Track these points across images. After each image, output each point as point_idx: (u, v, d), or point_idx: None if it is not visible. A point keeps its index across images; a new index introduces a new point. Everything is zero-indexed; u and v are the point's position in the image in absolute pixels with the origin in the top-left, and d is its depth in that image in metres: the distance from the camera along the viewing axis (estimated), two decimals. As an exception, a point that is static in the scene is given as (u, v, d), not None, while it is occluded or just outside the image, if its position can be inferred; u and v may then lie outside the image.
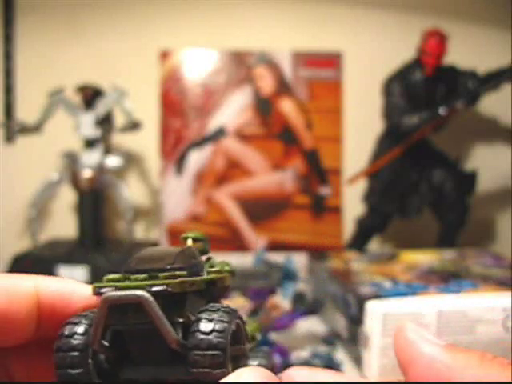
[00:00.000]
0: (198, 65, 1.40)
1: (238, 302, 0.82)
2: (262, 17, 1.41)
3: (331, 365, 0.71)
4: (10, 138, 1.38)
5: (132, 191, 1.33)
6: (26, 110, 1.33)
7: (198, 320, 0.22)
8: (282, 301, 0.96)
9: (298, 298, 0.97)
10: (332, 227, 1.42)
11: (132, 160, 1.37)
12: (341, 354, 0.77)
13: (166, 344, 0.21)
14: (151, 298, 0.21)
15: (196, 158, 1.40)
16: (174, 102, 1.40)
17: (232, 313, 0.22)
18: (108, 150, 1.25)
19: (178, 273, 0.22)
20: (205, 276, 0.24)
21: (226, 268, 0.26)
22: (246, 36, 1.41)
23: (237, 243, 1.40)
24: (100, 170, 1.19)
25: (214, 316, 0.22)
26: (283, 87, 1.41)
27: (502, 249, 1.32)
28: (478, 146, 1.46)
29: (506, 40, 1.36)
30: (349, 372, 0.72)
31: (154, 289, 0.22)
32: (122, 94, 1.21)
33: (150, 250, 0.25)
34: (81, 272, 1.09)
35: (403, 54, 1.26)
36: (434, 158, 1.26)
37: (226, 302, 0.24)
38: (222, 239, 1.40)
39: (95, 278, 1.09)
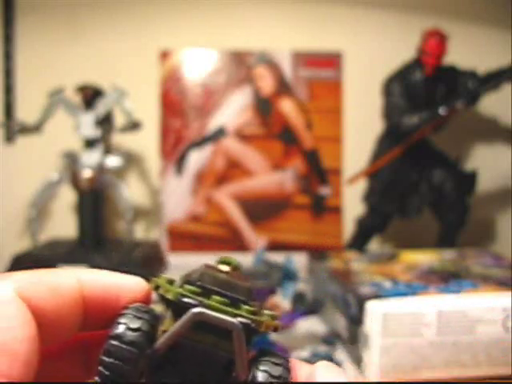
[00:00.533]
0: (198, 65, 1.40)
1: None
2: (262, 17, 1.41)
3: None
4: (10, 137, 1.38)
5: (132, 191, 1.33)
6: (26, 110, 1.33)
7: (266, 362, 0.22)
8: (282, 301, 0.96)
9: (298, 298, 0.97)
10: (332, 227, 1.42)
11: (132, 160, 1.37)
12: (341, 354, 0.77)
13: (217, 366, 0.22)
14: (242, 332, 0.21)
15: (196, 158, 1.40)
16: (174, 102, 1.40)
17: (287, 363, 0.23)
18: (108, 150, 1.25)
19: (255, 309, 0.23)
20: (272, 320, 0.24)
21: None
22: (246, 36, 1.41)
23: (237, 243, 1.40)
24: (100, 170, 1.19)
25: (281, 361, 0.23)
26: (283, 87, 1.41)
27: (502, 249, 1.32)
28: (478, 146, 1.46)
29: (506, 40, 1.36)
30: (349, 372, 0.72)
31: (241, 320, 0.22)
32: (122, 94, 1.21)
33: (211, 270, 0.24)
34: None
35: (403, 54, 1.26)
36: (434, 158, 1.26)
37: None
38: (222, 239, 1.40)
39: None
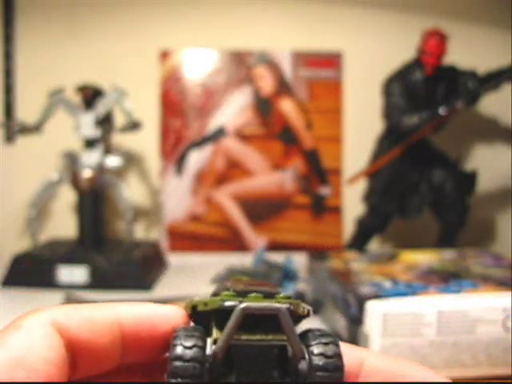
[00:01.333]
0: (198, 65, 1.40)
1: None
2: (262, 17, 1.41)
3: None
4: (10, 137, 1.38)
5: (132, 191, 1.33)
6: (26, 110, 1.33)
7: (318, 344, 0.24)
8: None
9: (298, 298, 0.97)
10: (332, 227, 1.42)
11: (132, 160, 1.37)
12: (341, 354, 0.77)
13: (272, 360, 0.23)
14: (287, 312, 0.23)
15: (196, 158, 1.40)
16: (174, 102, 1.40)
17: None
18: (108, 150, 1.25)
19: (288, 299, 0.24)
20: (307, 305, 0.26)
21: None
22: (246, 36, 1.41)
23: (237, 243, 1.40)
24: (100, 170, 1.19)
25: (330, 340, 0.24)
26: (283, 87, 1.41)
27: (502, 249, 1.32)
28: (478, 146, 1.46)
29: (506, 40, 1.36)
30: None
31: (282, 305, 0.23)
32: (122, 94, 1.21)
33: (233, 282, 0.26)
34: (81, 272, 1.09)
35: (403, 54, 1.26)
36: (434, 158, 1.26)
37: None
38: (222, 239, 1.40)
39: (95, 277, 1.09)
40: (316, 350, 0.23)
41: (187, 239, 1.40)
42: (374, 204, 1.26)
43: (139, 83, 1.37)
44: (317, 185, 1.41)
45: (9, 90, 1.37)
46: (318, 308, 0.91)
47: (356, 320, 0.74)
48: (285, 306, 0.23)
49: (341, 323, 0.82)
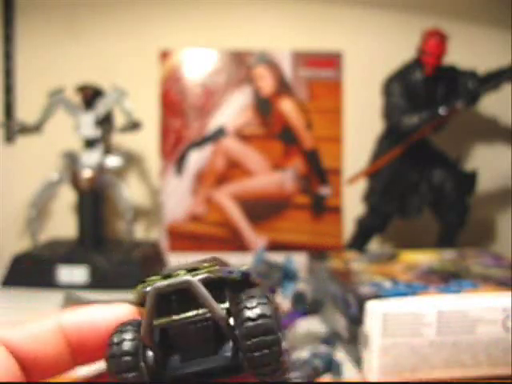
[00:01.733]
0: (198, 65, 1.40)
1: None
2: (262, 17, 1.41)
3: (331, 365, 0.71)
4: (10, 138, 1.38)
5: (132, 191, 1.33)
6: (26, 110, 1.33)
7: (243, 307, 0.23)
8: (282, 301, 0.96)
9: (298, 298, 0.97)
10: (332, 227, 1.42)
11: (132, 160, 1.37)
12: (341, 354, 0.77)
13: (210, 333, 0.23)
14: (199, 283, 0.22)
15: (196, 158, 1.40)
16: (174, 102, 1.40)
17: (271, 298, 0.23)
18: (108, 150, 1.25)
19: (216, 266, 0.24)
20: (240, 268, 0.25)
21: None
22: (246, 36, 1.41)
23: (237, 243, 1.40)
24: (100, 170, 1.19)
25: (258, 301, 0.23)
26: (283, 87, 1.41)
27: (502, 249, 1.32)
28: (478, 146, 1.46)
29: (506, 40, 1.36)
30: (349, 372, 0.72)
31: (198, 277, 0.23)
32: (122, 94, 1.21)
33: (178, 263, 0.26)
34: (81, 272, 1.09)
35: (403, 54, 1.26)
36: (434, 158, 1.26)
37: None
38: (222, 239, 1.40)
39: (95, 277, 1.09)
40: (242, 315, 0.23)
41: (187, 239, 1.40)
42: (374, 204, 1.26)
43: (139, 83, 1.37)
44: (317, 185, 1.41)
45: (9, 89, 1.37)
46: (318, 308, 0.91)
47: (356, 320, 0.74)
48: (198, 277, 0.23)
49: (341, 323, 0.82)
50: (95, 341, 0.25)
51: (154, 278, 0.24)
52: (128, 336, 0.23)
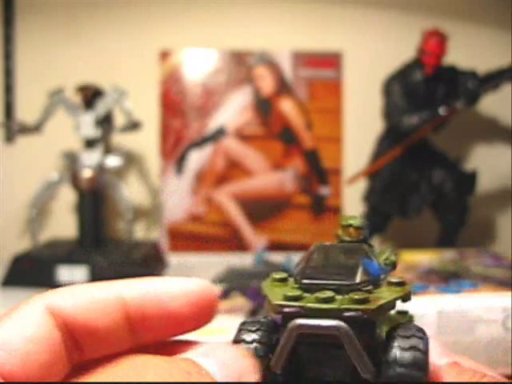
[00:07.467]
0: (198, 65, 1.40)
1: (238, 302, 0.82)
2: (262, 17, 1.41)
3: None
4: (9, 138, 1.38)
5: (132, 191, 1.33)
6: (26, 110, 1.33)
7: (393, 344, 0.21)
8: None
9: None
10: (332, 227, 1.41)
11: (132, 160, 1.37)
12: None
13: (349, 368, 0.21)
14: (350, 332, 0.20)
15: (196, 158, 1.40)
16: (174, 102, 1.40)
17: (425, 338, 0.21)
18: (108, 150, 1.25)
19: (366, 293, 0.21)
20: (396, 293, 0.22)
21: (393, 258, 0.25)
22: (245, 36, 1.41)
23: (237, 243, 1.40)
24: (100, 170, 1.19)
25: (411, 342, 0.21)
26: (283, 87, 1.41)
27: (502, 249, 1.32)
28: (478, 146, 1.46)
29: (506, 40, 1.36)
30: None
31: (348, 314, 0.20)
32: (122, 94, 1.21)
33: (322, 255, 0.23)
34: (81, 272, 1.09)
35: (403, 54, 1.26)
36: (434, 158, 1.26)
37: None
38: (222, 239, 1.40)
39: (95, 278, 1.08)
40: (391, 353, 0.20)
41: (187, 239, 1.40)
42: (374, 204, 1.26)
43: (139, 83, 1.37)
44: (317, 185, 1.41)
45: (9, 89, 1.37)
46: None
47: (356, 320, 0.74)
48: (350, 314, 0.20)
49: (341, 323, 0.81)
50: (158, 318, 0.22)
51: (291, 291, 0.21)
52: (262, 338, 0.22)
